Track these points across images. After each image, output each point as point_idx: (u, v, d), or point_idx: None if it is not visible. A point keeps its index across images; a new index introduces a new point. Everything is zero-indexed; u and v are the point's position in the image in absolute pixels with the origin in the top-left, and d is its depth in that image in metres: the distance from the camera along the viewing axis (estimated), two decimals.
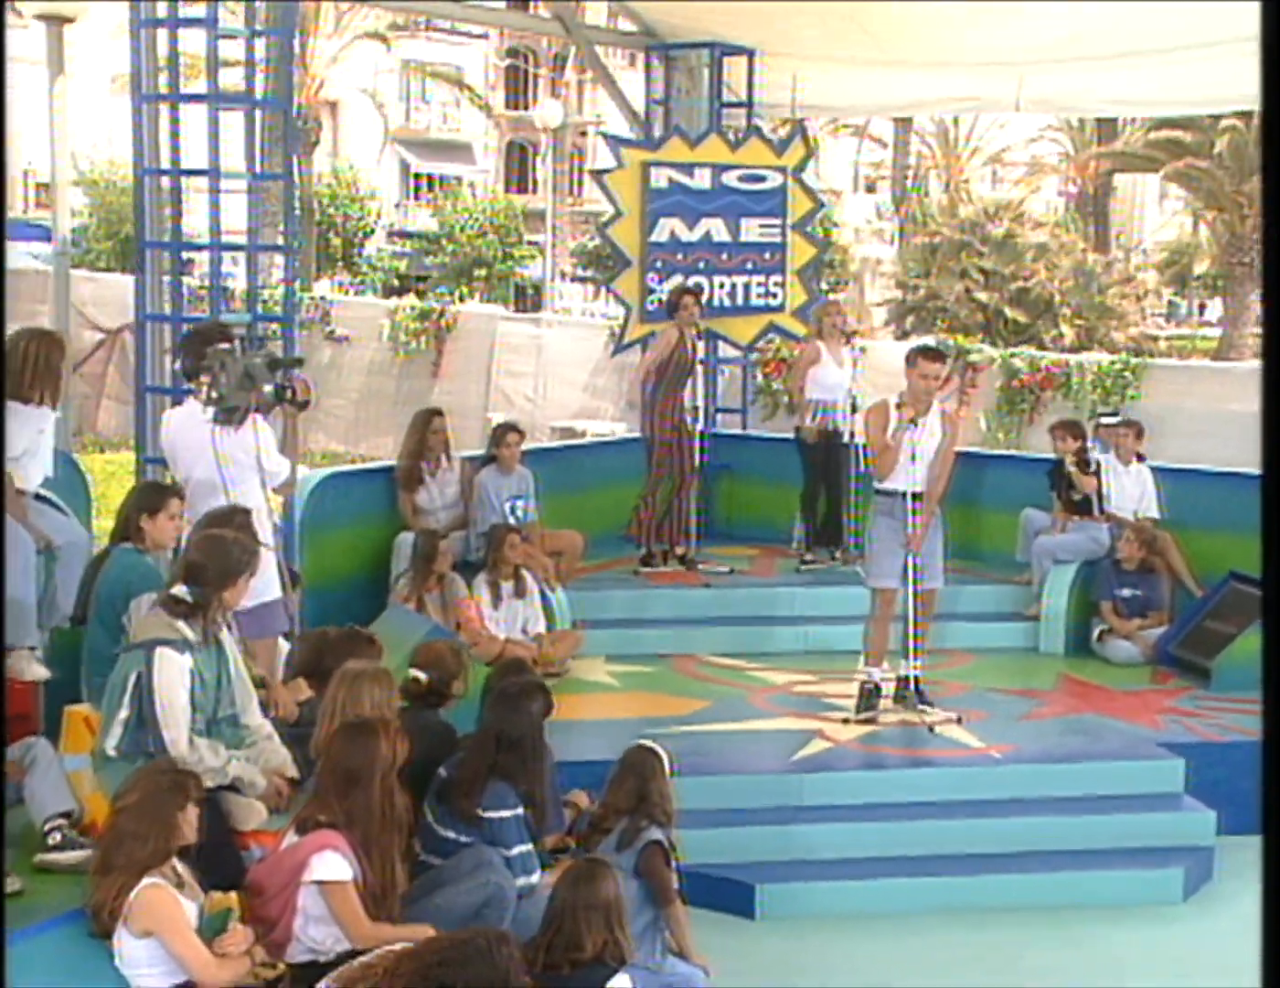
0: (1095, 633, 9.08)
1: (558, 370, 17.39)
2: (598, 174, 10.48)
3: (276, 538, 5.86)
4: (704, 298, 10.07)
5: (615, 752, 6.56)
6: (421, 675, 5.35)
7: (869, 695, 7.56)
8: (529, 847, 4.77)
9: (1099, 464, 9.40)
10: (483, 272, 39.52)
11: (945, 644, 8.82)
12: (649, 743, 5.21)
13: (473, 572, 8.25)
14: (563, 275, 39.65)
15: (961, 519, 9.66)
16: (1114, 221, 38.50)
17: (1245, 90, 8.92)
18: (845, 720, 7.44)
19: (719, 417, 11.55)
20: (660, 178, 10.23)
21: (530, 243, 41.03)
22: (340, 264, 38.97)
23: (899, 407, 7.36)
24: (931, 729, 7.20)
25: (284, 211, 7.84)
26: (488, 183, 48.26)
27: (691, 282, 10.32)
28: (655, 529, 9.64)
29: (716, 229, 10.43)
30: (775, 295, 10.64)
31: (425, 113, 49.46)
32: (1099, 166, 33.10)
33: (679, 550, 9.66)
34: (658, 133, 11.05)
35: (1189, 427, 13.47)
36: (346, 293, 35.43)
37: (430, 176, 50.31)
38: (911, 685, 7.53)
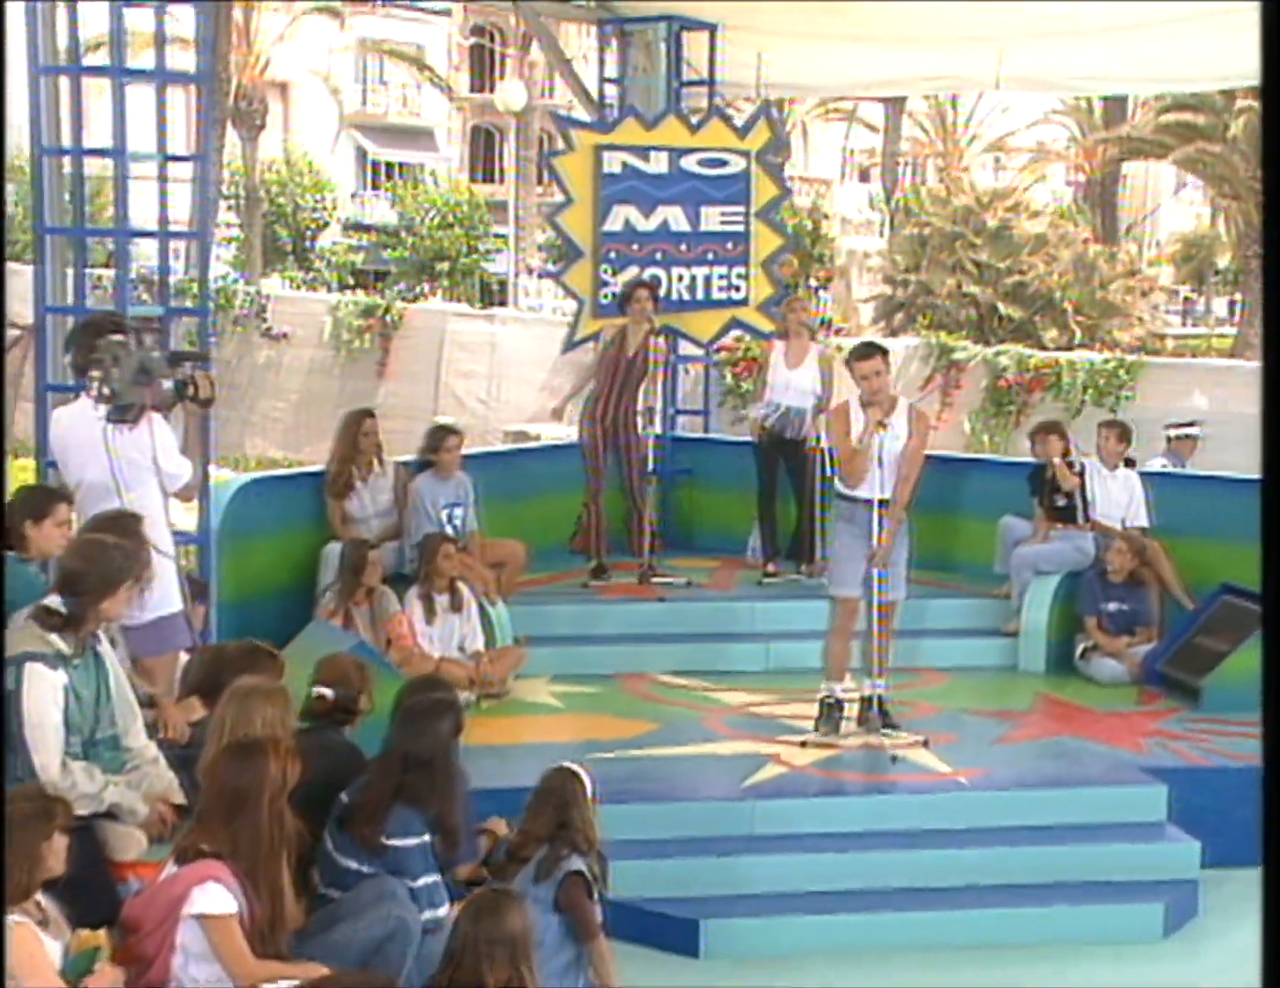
0: (1079, 650, 9.09)
1: (513, 370, 17.41)
2: (547, 157, 10.48)
3: (179, 546, 5.83)
4: (661, 291, 10.09)
5: None
6: (327, 692, 5.33)
7: (830, 712, 7.59)
8: (437, 877, 4.75)
9: (1084, 467, 9.42)
10: (445, 267, 39.52)
11: (917, 662, 8.89)
12: (570, 765, 5.20)
13: (407, 585, 8.26)
14: (529, 270, 39.65)
15: (936, 528, 9.73)
16: (1123, 212, 38.70)
17: (1235, 66, 8.98)
18: (804, 744, 7.44)
19: (680, 420, 11.60)
20: (614, 162, 10.27)
21: (497, 235, 41.05)
22: (291, 258, 38.96)
23: (866, 407, 7.38)
24: (894, 759, 7.19)
25: (195, 195, 7.80)
26: (451, 171, 48.32)
27: (647, 274, 10.34)
28: (601, 539, 9.66)
29: (675, 217, 10.46)
30: (738, 288, 10.66)
31: (383, 95, 49.52)
32: (1106, 152, 33.26)
33: (642, 562, 9.65)
34: (615, 114, 11.07)
35: None
36: (300, 288, 35.43)
37: (389, 164, 50.38)
38: (874, 707, 7.53)
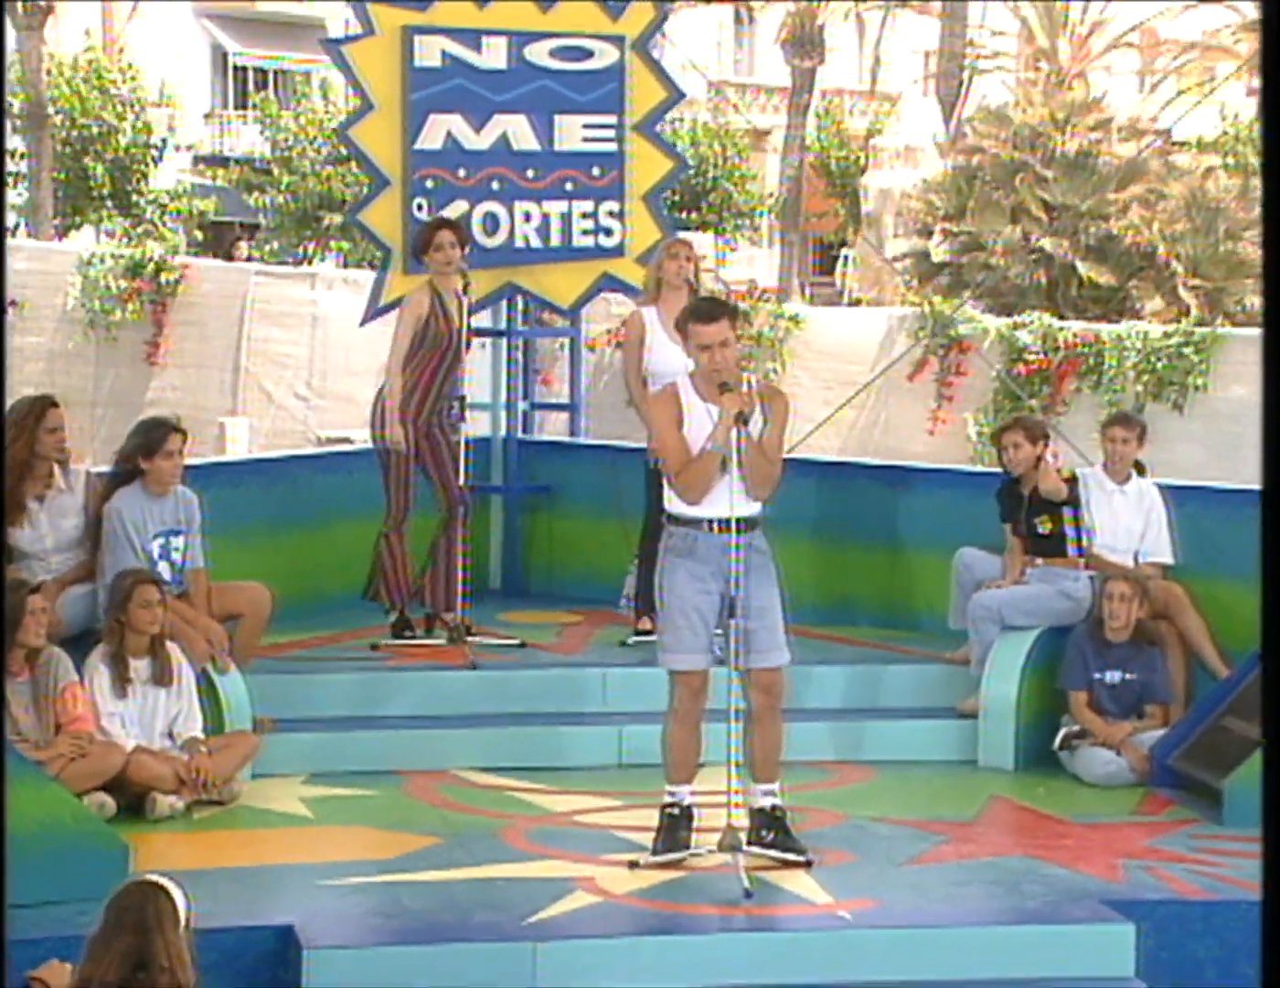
0: (1059, 736, 9.12)
1: (344, 354, 17.43)
2: (331, 44, 10.63)
3: None
4: (498, 235, 10.23)
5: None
6: None
7: (673, 825, 7.66)
8: None
9: (1076, 477, 9.48)
10: (336, 219, 39.63)
11: (840, 753, 9.12)
12: (154, 879, 5.23)
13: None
14: None
15: (873, 566, 9.80)
16: None
17: None
18: (633, 864, 7.55)
19: (535, 417, 11.76)
20: (430, 52, 10.41)
21: None
22: (109, 204, 39.20)
23: (714, 390, 7.43)
24: (748, 889, 7.23)
25: None
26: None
27: (480, 211, 10.46)
28: (405, 584, 9.76)
29: (518, 131, 10.58)
30: (610, 232, 10.77)
31: None
32: None
33: (446, 616, 9.73)
34: None
35: None
36: (132, 245, 35.63)
37: (261, 72, 50.72)
38: (768, 822, 7.63)
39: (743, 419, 7.39)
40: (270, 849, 7.85)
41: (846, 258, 35.05)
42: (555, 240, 10.71)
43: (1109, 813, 8.54)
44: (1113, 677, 9.18)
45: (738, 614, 7.43)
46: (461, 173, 10.50)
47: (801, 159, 42.08)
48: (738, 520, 7.42)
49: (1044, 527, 9.45)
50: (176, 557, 8.80)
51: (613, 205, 10.75)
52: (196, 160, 45.63)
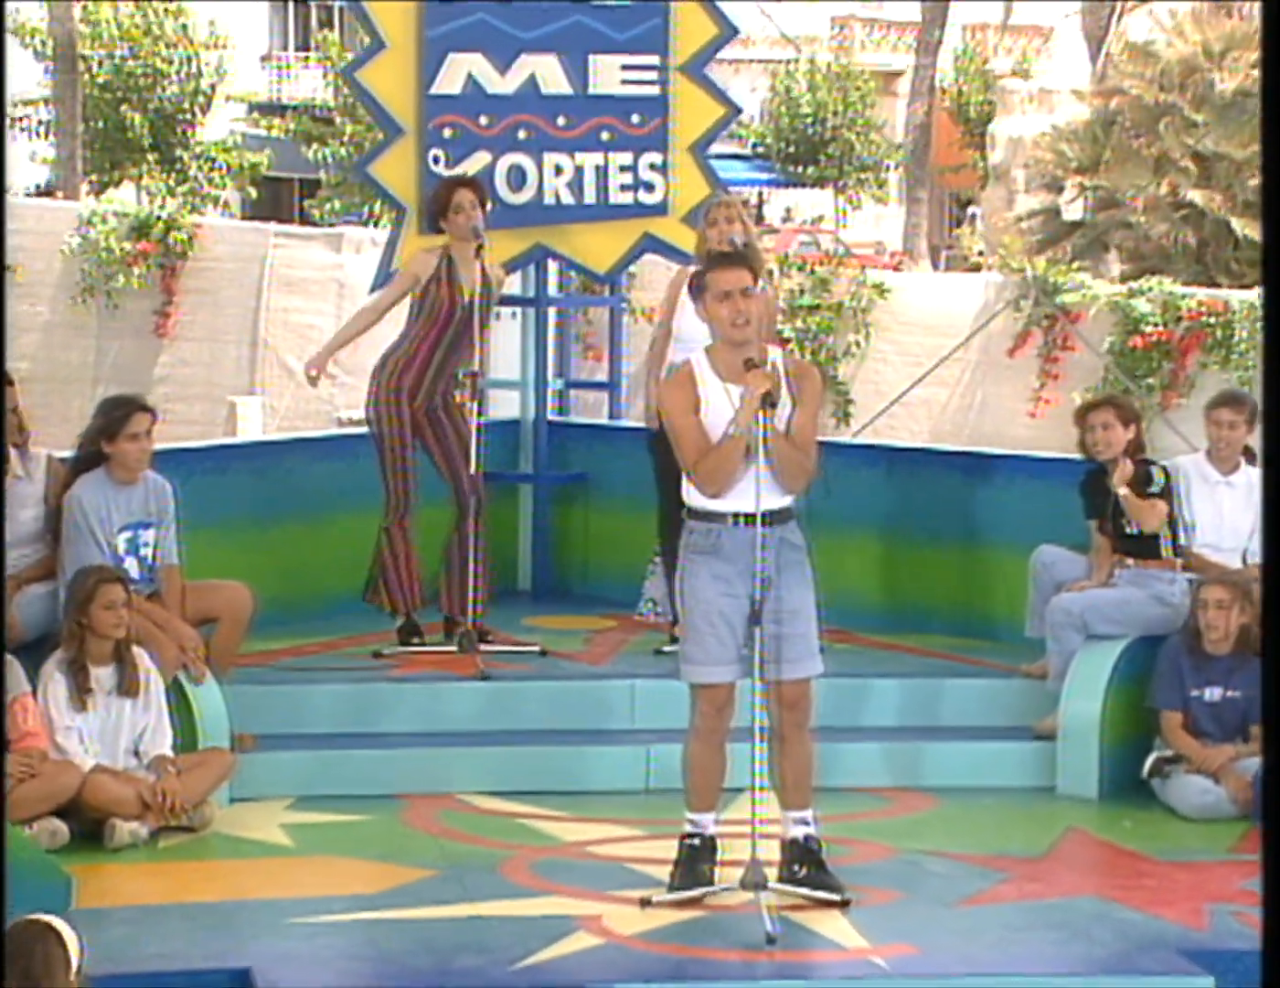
0: (1149, 762, 9.03)
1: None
2: None
3: None
4: (524, 192, 10.26)
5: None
6: None
7: (693, 857, 7.65)
8: None
9: (1167, 473, 9.38)
10: None
11: (901, 780, 9.06)
12: (45, 918, 5.26)
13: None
14: None
15: (941, 564, 9.74)
16: None
17: None
18: (645, 902, 7.53)
19: (571, 397, 11.84)
20: None
21: None
22: (152, 159, 39.59)
23: (749, 366, 7.40)
24: (771, 938, 7.19)
25: None
26: None
27: (505, 163, 10.45)
28: (412, 584, 9.81)
29: (547, 72, 10.59)
30: (651, 188, 10.75)
31: None
32: None
33: (461, 621, 9.79)
34: None
35: None
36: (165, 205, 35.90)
37: (324, 9, 51.05)
38: (803, 855, 7.59)
39: (769, 401, 7.34)
40: (240, 883, 7.89)
41: (974, 216, 34.82)
42: (589, 197, 10.71)
43: (1202, 850, 8.47)
44: (1212, 694, 9.07)
45: (765, 618, 7.40)
46: (484, 120, 10.52)
47: (931, 104, 41.81)
48: (766, 514, 7.38)
49: (1134, 525, 9.34)
50: (146, 552, 8.85)
51: (655, 157, 10.73)
52: (251, 109, 46.01)
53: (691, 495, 7.60)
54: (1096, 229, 25.38)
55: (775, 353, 7.61)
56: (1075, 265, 20.42)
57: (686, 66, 10.78)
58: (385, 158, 10.58)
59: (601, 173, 10.71)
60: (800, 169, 51.21)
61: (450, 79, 10.45)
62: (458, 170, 10.36)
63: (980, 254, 23.90)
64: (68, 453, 9.02)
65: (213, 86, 40.85)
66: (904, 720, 9.43)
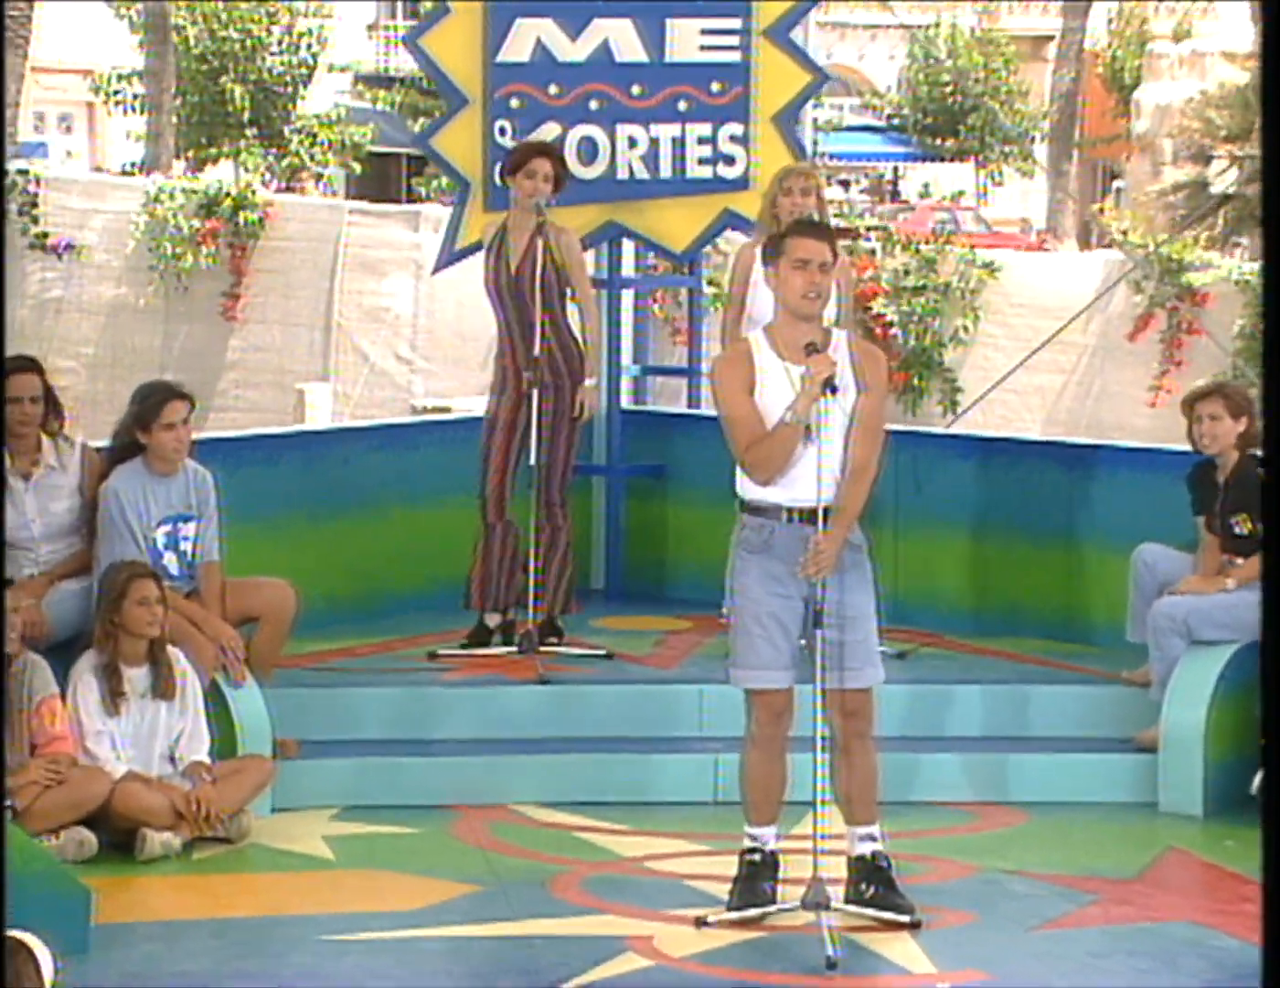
0: (1258, 778, 8.89)
1: (454, 309, 17.53)
2: None
3: None
4: (596, 165, 10.25)
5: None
6: None
7: (754, 873, 7.62)
8: None
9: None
10: None
11: (988, 794, 9.02)
12: (16, 935, 5.27)
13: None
14: None
15: (1039, 563, 9.69)
16: None
17: None
18: (701, 922, 7.51)
19: (646, 382, 11.74)
20: None
21: None
22: (254, 134, 39.82)
23: (810, 350, 7.37)
24: (831, 962, 7.11)
25: None
26: None
27: (575, 135, 10.44)
28: (505, 581, 9.86)
29: (621, 38, 10.57)
30: (732, 161, 10.70)
31: None
32: None
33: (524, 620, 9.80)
34: None
35: None
36: (264, 182, 36.09)
37: None
38: (871, 873, 7.56)
39: (830, 386, 7.29)
40: (275, 898, 7.92)
41: (1119, 191, 34.47)
42: (665, 171, 10.67)
43: None
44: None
45: (824, 624, 7.36)
46: (553, 90, 10.51)
47: (1079, 70, 41.48)
48: (825, 510, 7.33)
49: (1243, 527, 9.24)
50: (186, 547, 8.87)
51: (735, 128, 10.67)
52: (356, 80, 46.21)
53: (745, 487, 7.58)
54: (1249, 203, 25.05)
55: (840, 335, 7.59)
56: (1208, 242, 20.19)
57: (770, 30, 10.67)
58: (449, 129, 10.61)
59: (678, 145, 10.66)
60: (939, 142, 50.93)
61: (518, 45, 10.44)
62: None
63: (1124, 232, 23.60)
64: (105, 443, 9.09)
65: (315, 57, 41.01)
66: (993, 730, 9.34)
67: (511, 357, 9.84)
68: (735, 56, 10.67)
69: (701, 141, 10.69)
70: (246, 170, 36.50)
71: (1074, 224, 40.85)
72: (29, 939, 5.25)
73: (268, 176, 38.19)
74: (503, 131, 10.46)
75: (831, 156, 50.14)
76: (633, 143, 10.64)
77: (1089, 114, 44.62)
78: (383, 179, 45.07)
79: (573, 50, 10.54)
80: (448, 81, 10.54)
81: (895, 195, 55.24)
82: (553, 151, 9.89)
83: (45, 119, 56.79)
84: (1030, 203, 51.83)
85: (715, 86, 10.68)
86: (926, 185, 55.56)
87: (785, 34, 10.78)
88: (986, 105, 49.57)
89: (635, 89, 10.62)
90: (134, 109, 38.25)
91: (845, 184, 55.29)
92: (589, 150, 10.57)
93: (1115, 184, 40.05)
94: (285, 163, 39.39)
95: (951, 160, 52.61)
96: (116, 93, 38.75)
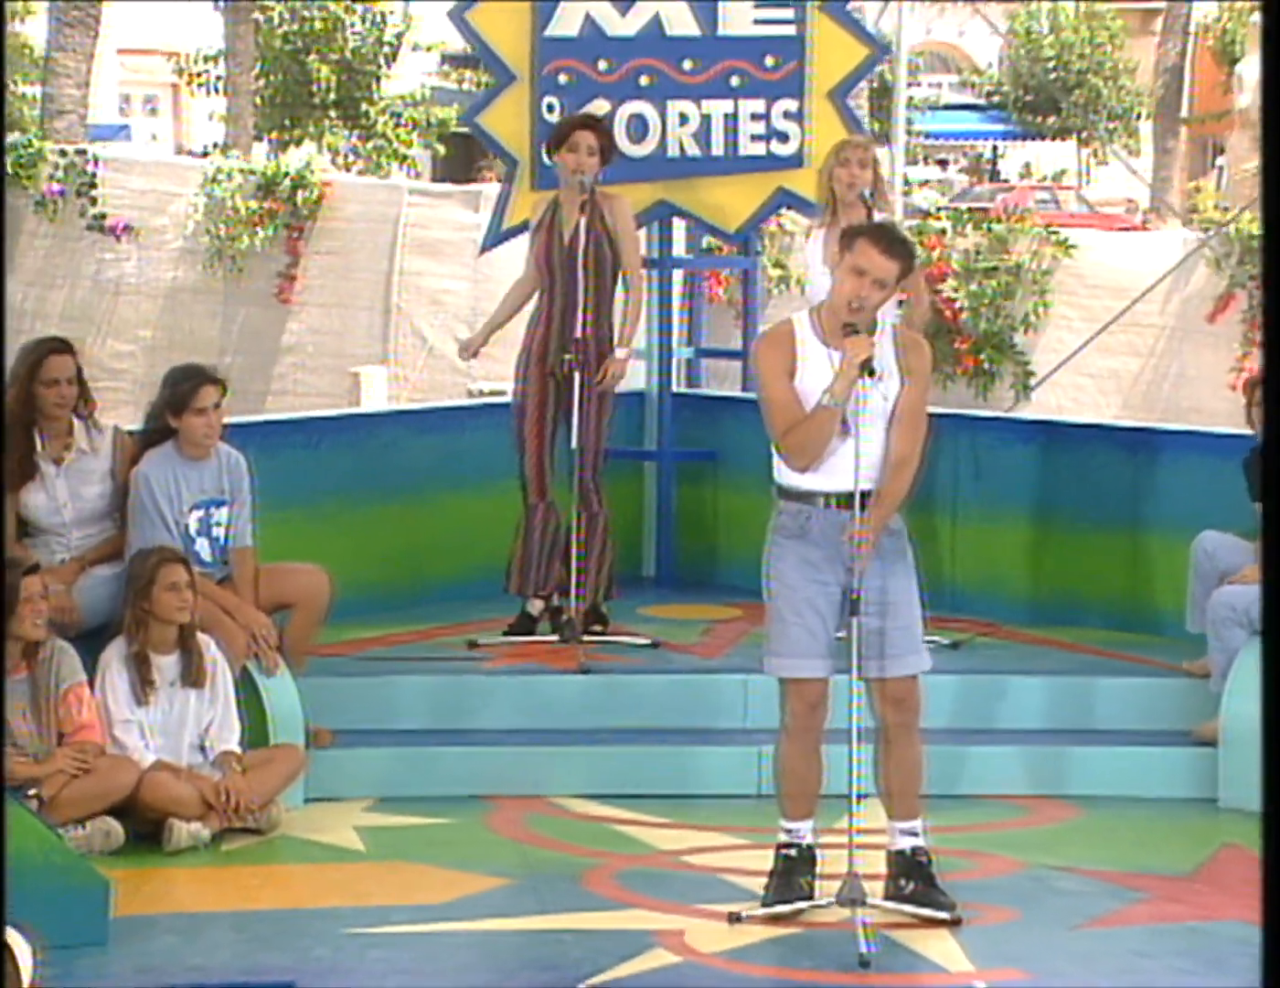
0: None
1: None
2: None
3: None
4: (646, 142, 10.34)
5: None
6: None
7: (790, 868, 7.62)
8: None
9: None
10: None
11: (1042, 788, 9.02)
12: None
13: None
14: None
15: (1103, 550, 9.74)
16: None
17: None
18: (734, 918, 7.49)
19: (701, 365, 11.79)
20: None
21: None
22: (336, 116, 39.89)
23: (849, 331, 7.34)
24: (864, 960, 7.07)
25: None
26: None
27: (625, 112, 10.45)
28: (548, 568, 9.88)
29: (672, 12, 10.54)
30: (785, 138, 10.70)
31: None
32: None
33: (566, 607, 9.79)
34: None
35: None
36: (347, 167, 36.16)
37: None
38: (910, 867, 7.55)
39: (868, 369, 7.27)
40: (301, 890, 7.92)
41: (1221, 169, 34.20)
42: (717, 148, 10.66)
43: None
44: None
45: (861, 612, 7.32)
46: (602, 65, 10.50)
47: (1186, 43, 41.15)
48: (864, 495, 7.29)
49: None
50: (219, 533, 8.88)
51: (790, 104, 10.65)
52: (443, 60, 46.22)
53: (781, 472, 7.56)
54: None
55: (886, 320, 7.57)
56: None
57: (827, 3, 10.66)
58: (496, 106, 10.57)
59: (731, 122, 10.63)
60: (1040, 119, 50.65)
61: (567, 20, 10.42)
62: None
63: (1226, 210, 23.33)
64: (137, 427, 9.12)
65: (399, 36, 41.04)
66: (1049, 722, 9.31)
67: (543, 336, 9.82)
68: (790, 30, 10.65)
69: (755, 118, 10.67)
70: (329, 151, 36.62)
71: (1180, 203, 40.50)
72: (8, 935, 5.25)
73: (351, 158, 38.25)
74: (550, 108, 10.43)
75: (928, 135, 50.12)
76: (684, 119, 10.60)
77: (1198, 90, 44.24)
78: (467, 161, 45.05)
79: (622, 25, 10.51)
80: (495, 57, 10.54)
81: (995, 175, 55.05)
82: (597, 124, 9.85)
83: (131, 101, 57.35)
84: (1135, 182, 51.51)
85: (769, 61, 10.64)
86: (1027, 164, 55.38)
87: (842, 6, 10.78)
88: (1090, 82, 49.26)
89: (686, 64, 10.59)
90: (216, 90, 38.40)
91: (943, 163, 55.23)
92: (639, 127, 10.54)
93: (1219, 161, 39.71)
94: (371, 144, 39.40)
95: (1053, 139, 52.38)
96: (199, 74, 38.93)
